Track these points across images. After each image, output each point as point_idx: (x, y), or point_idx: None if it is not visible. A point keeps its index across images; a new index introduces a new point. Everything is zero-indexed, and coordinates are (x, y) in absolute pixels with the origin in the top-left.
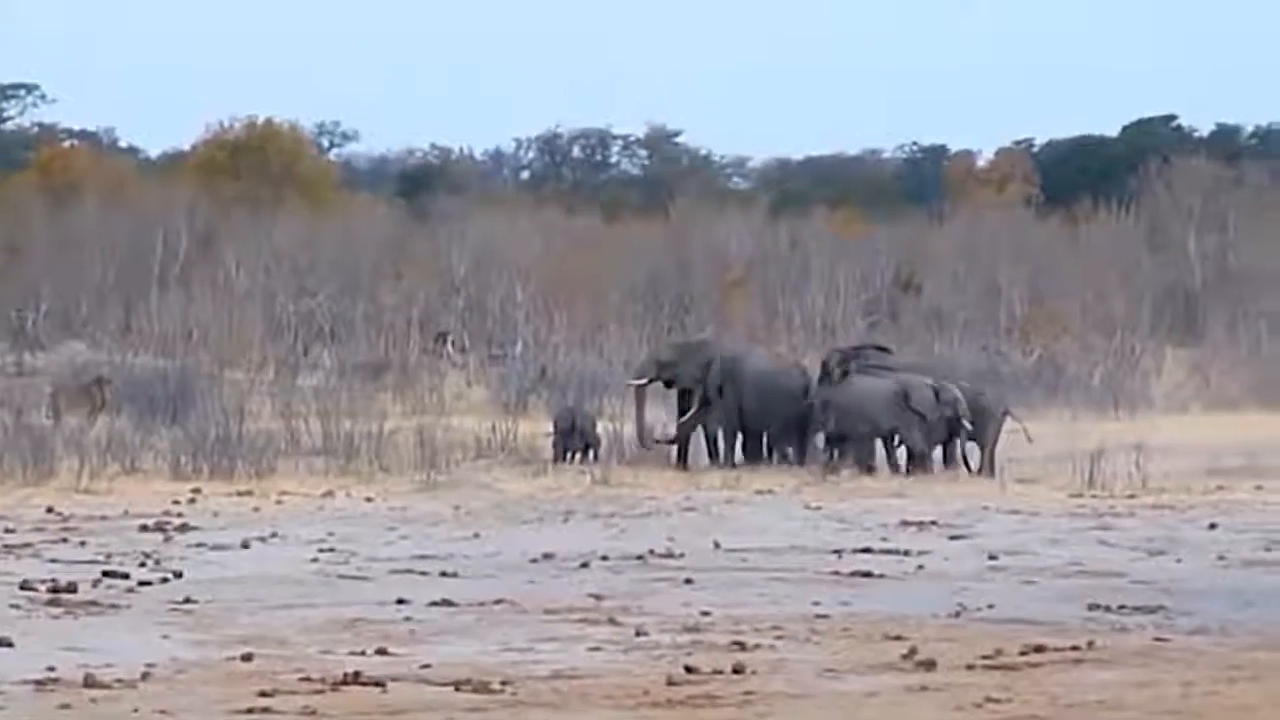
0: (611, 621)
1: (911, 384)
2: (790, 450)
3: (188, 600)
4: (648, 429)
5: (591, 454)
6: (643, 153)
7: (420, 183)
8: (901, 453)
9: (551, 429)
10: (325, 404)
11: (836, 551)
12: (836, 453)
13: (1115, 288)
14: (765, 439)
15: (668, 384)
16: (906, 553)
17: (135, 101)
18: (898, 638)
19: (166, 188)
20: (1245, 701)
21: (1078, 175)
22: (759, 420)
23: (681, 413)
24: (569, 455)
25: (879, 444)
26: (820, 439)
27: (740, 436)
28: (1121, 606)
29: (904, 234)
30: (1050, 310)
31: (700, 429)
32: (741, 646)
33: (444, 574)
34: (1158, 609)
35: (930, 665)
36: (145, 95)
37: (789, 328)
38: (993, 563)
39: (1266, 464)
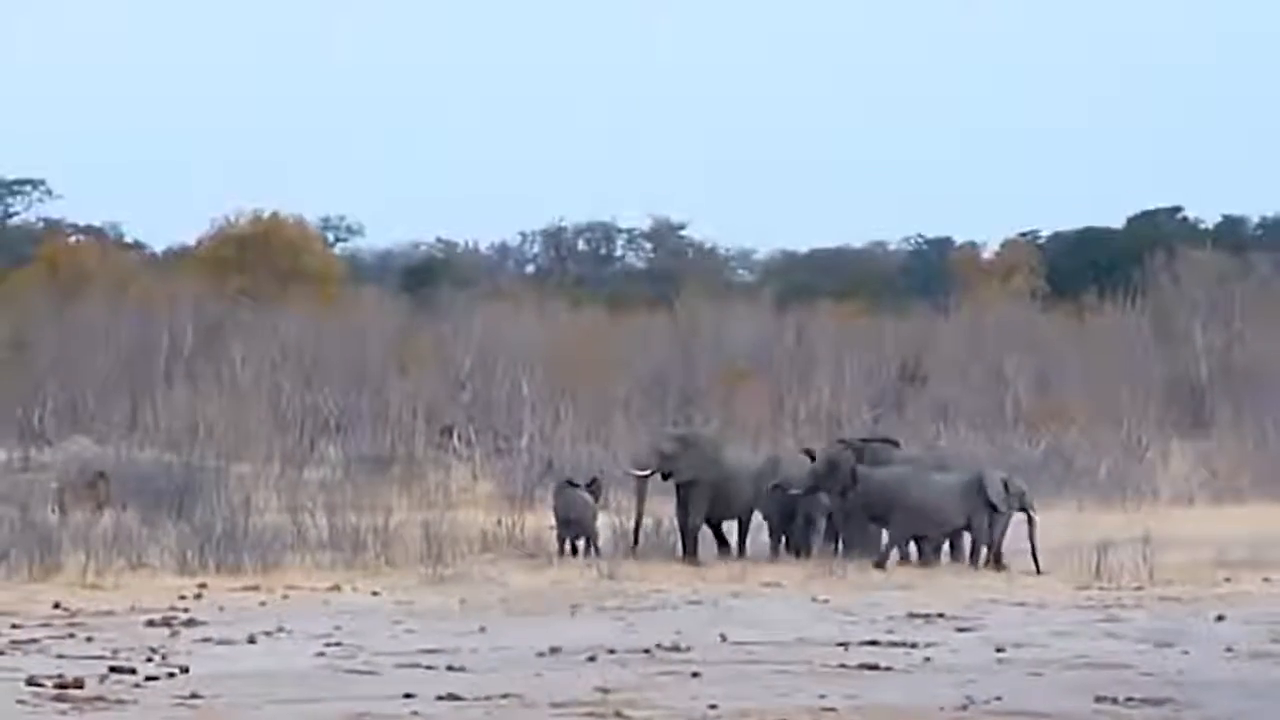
0: (618, 715)
1: (986, 476)
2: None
3: (194, 695)
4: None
5: (587, 544)
6: (647, 245)
7: (426, 276)
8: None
9: (554, 519)
10: (331, 498)
11: (843, 644)
12: (841, 544)
13: (1121, 379)
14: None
15: (665, 476)
16: (914, 645)
17: (141, 196)
18: None
19: (172, 282)
20: None
21: (1083, 267)
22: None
23: (680, 503)
24: (566, 545)
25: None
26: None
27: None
28: (1129, 699)
29: (909, 326)
30: (1056, 402)
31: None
32: None
33: (450, 668)
34: (1165, 701)
35: None
36: (151, 190)
37: (795, 420)
38: (1000, 655)
39: (1273, 556)
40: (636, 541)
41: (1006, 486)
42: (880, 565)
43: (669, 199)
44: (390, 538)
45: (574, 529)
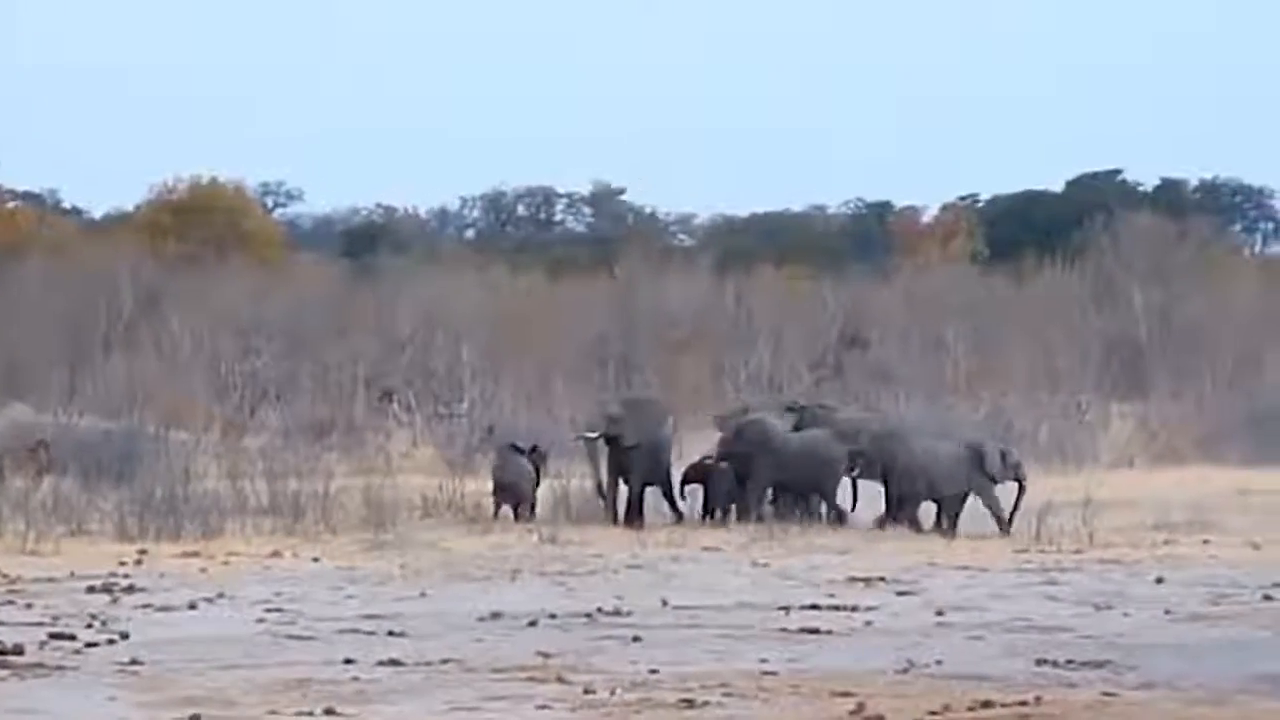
0: (560, 680)
1: (984, 446)
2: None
3: (135, 661)
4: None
5: (527, 510)
6: (588, 211)
7: (365, 241)
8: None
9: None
10: (271, 464)
11: (784, 608)
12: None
13: (1061, 342)
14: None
15: (609, 440)
16: (854, 609)
17: (79, 163)
18: (846, 694)
19: (110, 248)
20: None
21: (1023, 230)
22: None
23: (620, 467)
24: (500, 509)
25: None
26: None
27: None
28: (1069, 661)
29: (850, 290)
30: (996, 365)
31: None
32: (690, 704)
33: (391, 633)
34: (1105, 664)
35: None
36: (89, 156)
37: (735, 385)
38: (940, 618)
39: (1212, 518)
40: (613, 506)
41: (1004, 458)
42: (881, 525)
43: (609, 164)
44: (330, 504)
45: (509, 494)
